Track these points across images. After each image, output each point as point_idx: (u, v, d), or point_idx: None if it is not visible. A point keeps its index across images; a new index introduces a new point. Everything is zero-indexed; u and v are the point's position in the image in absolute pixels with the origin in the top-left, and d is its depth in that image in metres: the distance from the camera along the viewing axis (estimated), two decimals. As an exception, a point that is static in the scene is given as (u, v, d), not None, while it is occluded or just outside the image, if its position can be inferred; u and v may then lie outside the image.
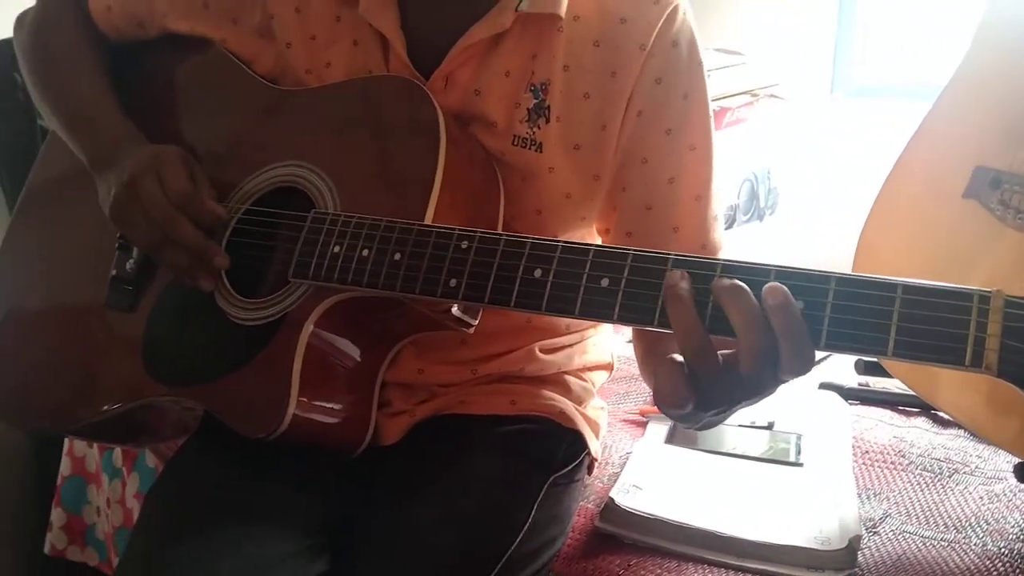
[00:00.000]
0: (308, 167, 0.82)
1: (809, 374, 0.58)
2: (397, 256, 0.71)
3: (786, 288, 0.55)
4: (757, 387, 0.60)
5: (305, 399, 0.75)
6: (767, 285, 0.55)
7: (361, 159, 0.80)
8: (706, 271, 0.59)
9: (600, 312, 0.62)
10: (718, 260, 0.59)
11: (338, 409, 0.81)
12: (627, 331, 1.40)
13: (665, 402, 0.61)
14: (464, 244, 0.69)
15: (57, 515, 1.40)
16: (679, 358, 0.59)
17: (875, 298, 0.53)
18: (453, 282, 0.68)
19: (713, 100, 1.18)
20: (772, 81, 1.64)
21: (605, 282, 0.62)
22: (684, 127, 0.83)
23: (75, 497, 1.40)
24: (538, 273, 0.65)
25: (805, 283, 0.56)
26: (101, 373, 0.89)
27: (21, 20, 1.00)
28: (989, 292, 0.51)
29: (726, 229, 1.58)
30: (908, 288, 0.53)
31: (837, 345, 0.54)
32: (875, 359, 0.54)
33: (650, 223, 0.84)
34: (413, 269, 0.70)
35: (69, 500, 1.40)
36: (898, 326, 0.52)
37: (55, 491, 1.41)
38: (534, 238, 0.66)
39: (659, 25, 0.81)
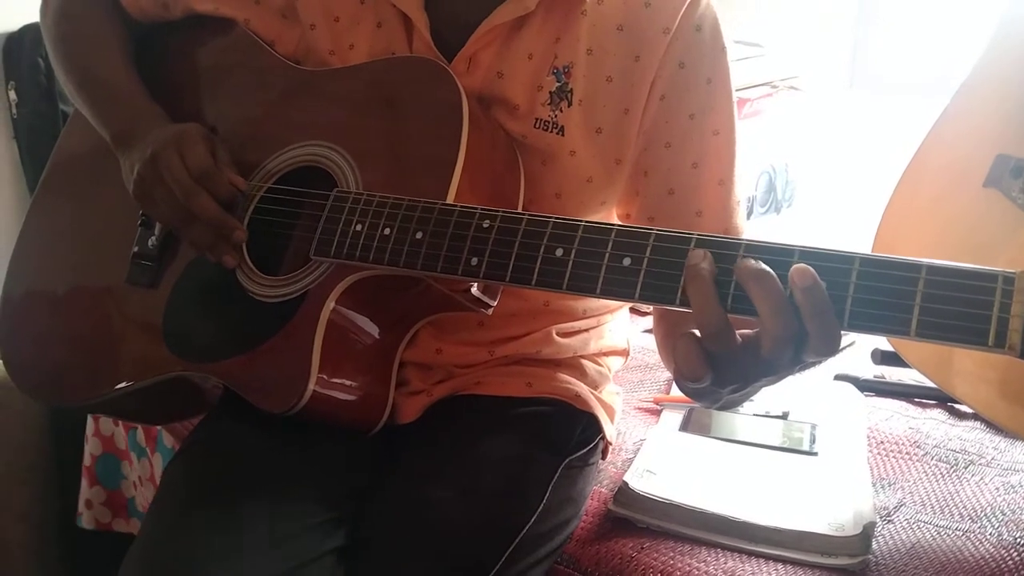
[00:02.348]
0: (330, 146, 0.83)
1: (825, 364, 0.57)
2: (419, 235, 0.71)
3: (813, 270, 0.55)
4: (777, 367, 0.60)
5: (325, 375, 0.76)
6: (795, 267, 0.55)
7: (383, 139, 0.81)
8: (729, 251, 0.59)
9: (622, 291, 0.62)
10: (741, 240, 0.59)
11: (357, 386, 0.81)
12: (642, 320, 1.41)
13: (683, 377, 0.61)
14: (486, 223, 0.69)
15: (96, 493, 1.43)
16: (698, 332, 0.60)
17: (899, 278, 0.53)
18: (474, 260, 0.69)
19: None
20: (791, 73, 1.63)
21: (627, 261, 0.62)
22: (707, 112, 0.83)
23: (110, 473, 1.43)
24: (560, 252, 0.65)
25: (829, 263, 0.55)
26: (122, 349, 0.90)
27: (47, 0, 1.01)
28: (1013, 273, 0.51)
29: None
30: (932, 268, 0.53)
31: (860, 325, 0.54)
32: (898, 338, 0.54)
33: (672, 208, 0.84)
34: (435, 247, 0.70)
35: (105, 477, 1.43)
36: (921, 306, 0.52)
37: (84, 471, 1.43)
38: (556, 217, 0.66)
39: (683, 9, 0.81)
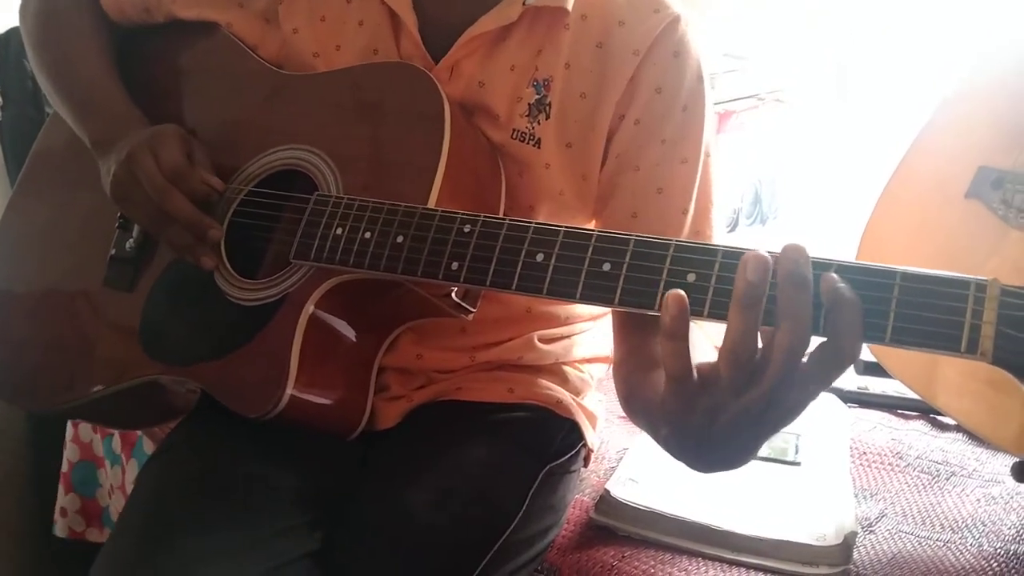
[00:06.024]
0: (312, 150, 0.82)
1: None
2: (400, 239, 0.71)
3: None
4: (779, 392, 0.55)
5: (303, 381, 0.76)
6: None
7: (365, 144, 0.80)
8: (707, 256, 0.59)
9: (602, 296, 0.62)
10: (719, 246, 0.59)
11: (335, 392, 0.81)
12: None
13: (672, 373, 0.56)
14: (467, 228, 0.69)
15: (70, 500, 1.42)
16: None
17: (874, 285, 0.53)
18: (455, 265, 0.68)
19: (718, 104, 1.17)
20: (777, 86, 1.64)
21: (607, 267, 0.62)
22: (679, 140, 0.82)
23: (86, 481, 1.42)
24: (540, 257, 0.65)
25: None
26: (99, 352, 0.89)
27: (26, 1, 1.00)
28: (985, 280, 0.51)
29: (729, 232, 1.60)
30: (906, 276, 0.53)
31: (835, 330, 0.54)
32: (873, 344, 0.54)
33: (633, 231, 0.83)
34: (415, 252, 0.70)
35: (81, 485, 1.42)
36: (896, 312, 0.52)
37: (62, 477, 1.42)
38: (537, 223, 0.66)
39: (656, 33, 0.81)
